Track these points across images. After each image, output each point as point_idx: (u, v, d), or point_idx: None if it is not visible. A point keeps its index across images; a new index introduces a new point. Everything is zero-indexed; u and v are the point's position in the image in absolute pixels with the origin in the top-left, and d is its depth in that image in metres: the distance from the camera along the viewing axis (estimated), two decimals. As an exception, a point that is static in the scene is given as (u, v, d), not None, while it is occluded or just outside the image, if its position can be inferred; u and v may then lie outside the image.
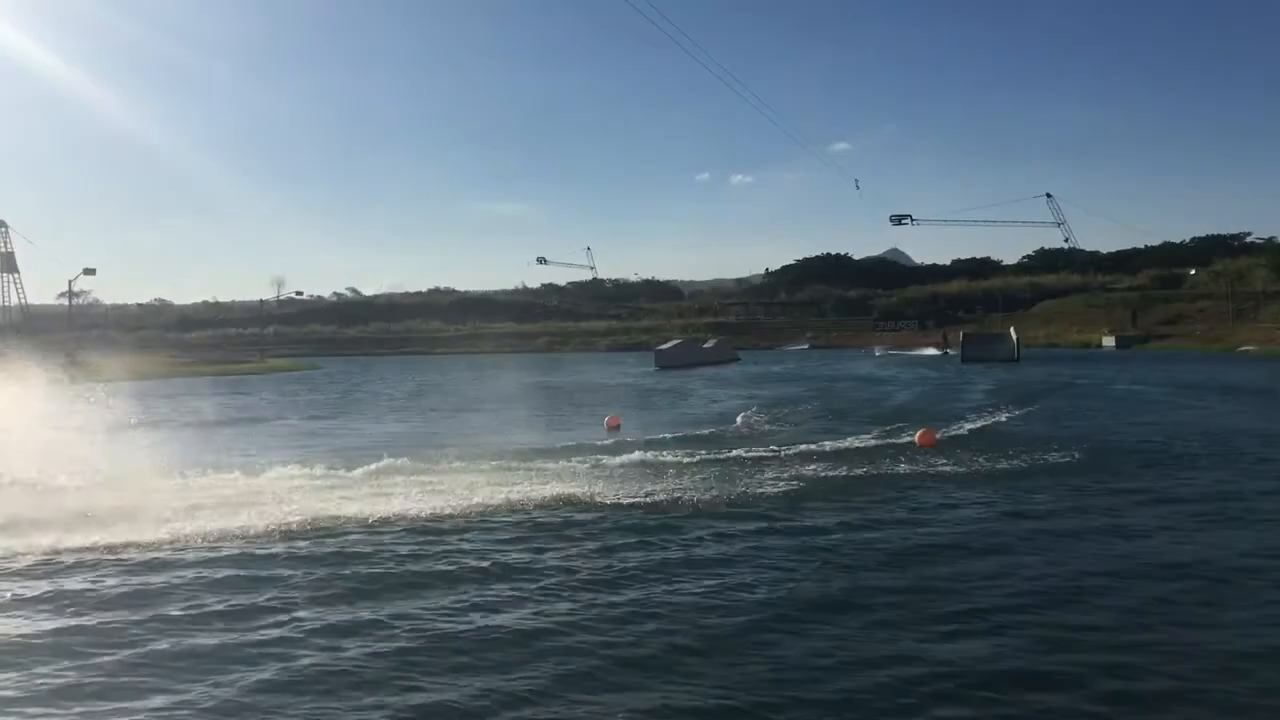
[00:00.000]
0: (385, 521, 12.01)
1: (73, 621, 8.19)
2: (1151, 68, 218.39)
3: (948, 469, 15.81)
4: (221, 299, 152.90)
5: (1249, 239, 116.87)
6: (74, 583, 9.39)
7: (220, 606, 8.54)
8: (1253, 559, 9.94)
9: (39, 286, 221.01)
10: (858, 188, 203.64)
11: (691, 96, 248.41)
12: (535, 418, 27.33)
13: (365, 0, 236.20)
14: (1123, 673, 6.77)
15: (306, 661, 7.16)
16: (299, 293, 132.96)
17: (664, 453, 18.11)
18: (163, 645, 7.55)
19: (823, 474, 15.47)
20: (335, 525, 11.81)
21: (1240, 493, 13.81)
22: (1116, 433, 21.37)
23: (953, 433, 21.29)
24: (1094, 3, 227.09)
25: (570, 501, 13.22)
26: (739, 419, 25.11)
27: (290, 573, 9.62)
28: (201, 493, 13.97)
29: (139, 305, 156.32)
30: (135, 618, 8.24)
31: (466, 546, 10.76)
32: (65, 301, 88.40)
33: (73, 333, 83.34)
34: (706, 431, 22.16)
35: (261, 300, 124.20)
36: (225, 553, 10.55)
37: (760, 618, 8.07)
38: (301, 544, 10.88)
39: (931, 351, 77.10)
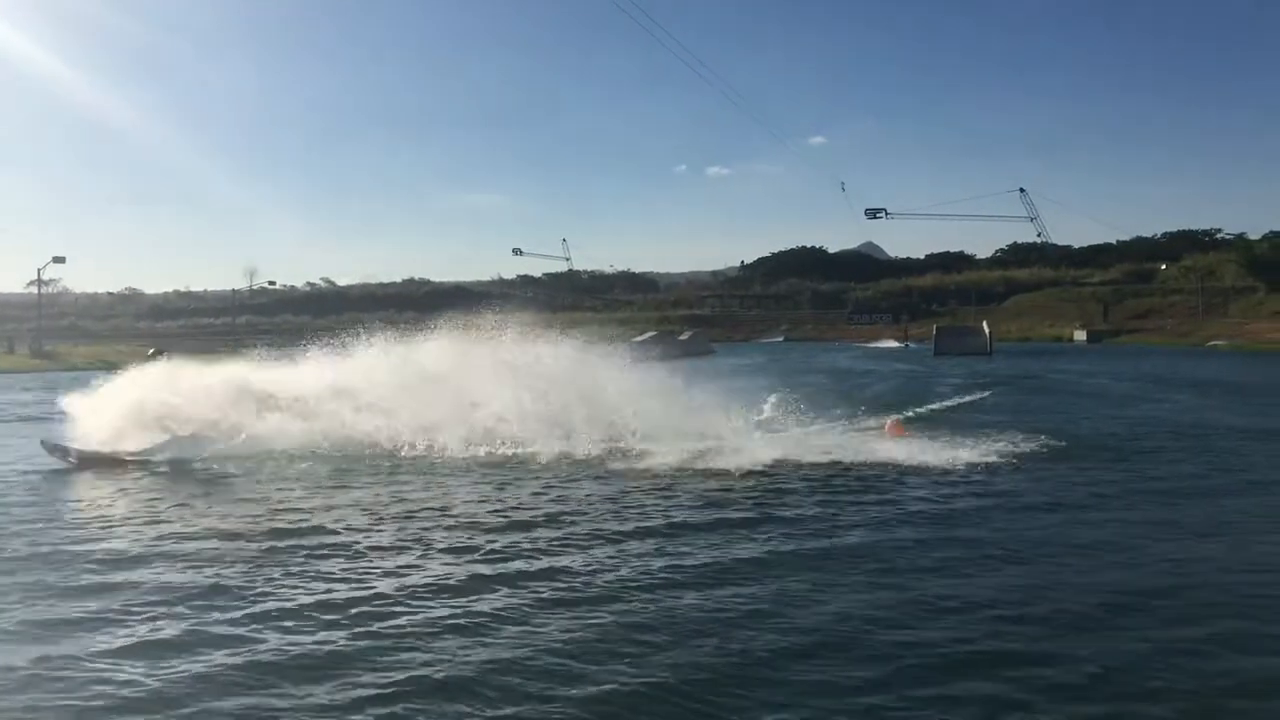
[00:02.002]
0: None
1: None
2: (1126, 65, 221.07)
3: (916, 458, 15.88)
4: (194, 288, 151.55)
5: (1219, 235, 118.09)
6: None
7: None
8: (1220, 540, 10.12)
9: (6, 274, 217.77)
10: (843, 190, 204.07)
11: (668, 88, 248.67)
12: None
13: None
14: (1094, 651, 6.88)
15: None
16: (271, 283, 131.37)
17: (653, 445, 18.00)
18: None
19: (792, 461, 15.55)
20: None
21: (1203, 477, 14.13)
22: (1085, 425, 21.61)
23: (922, 422, 21.51)
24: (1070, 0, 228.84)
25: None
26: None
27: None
28: None
29: (110, 294, 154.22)
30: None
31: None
32: (34, 290, 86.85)
33: (41, 321, 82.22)
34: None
35: (234, 290, 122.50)
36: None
37: (739, 594, 8.14)
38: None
39: (892, 344, 78.78)
